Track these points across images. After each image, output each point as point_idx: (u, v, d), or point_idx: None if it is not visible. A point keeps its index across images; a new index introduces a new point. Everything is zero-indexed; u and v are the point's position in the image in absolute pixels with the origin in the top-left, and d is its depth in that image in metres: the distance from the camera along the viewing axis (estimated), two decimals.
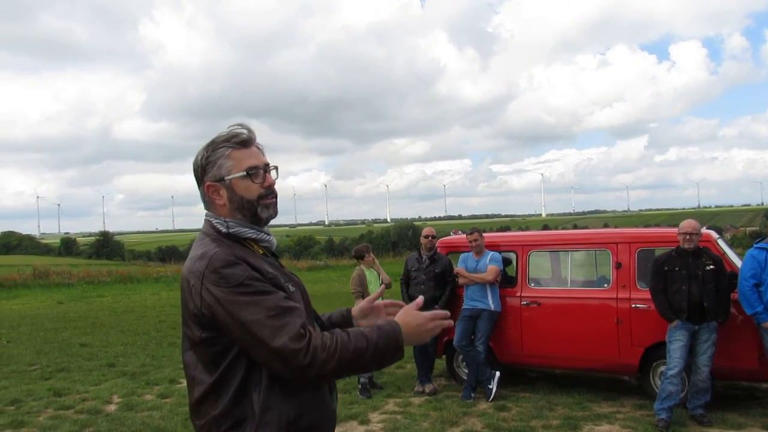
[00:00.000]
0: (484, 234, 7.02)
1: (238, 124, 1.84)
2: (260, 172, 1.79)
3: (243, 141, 1.80)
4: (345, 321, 2.00)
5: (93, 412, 6.25)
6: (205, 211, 1.85)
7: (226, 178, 1.77)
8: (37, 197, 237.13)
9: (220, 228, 1.77)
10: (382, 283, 6.99)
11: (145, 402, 6.62)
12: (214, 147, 1.79)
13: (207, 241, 1.74)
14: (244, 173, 1.77)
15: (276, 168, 1.86)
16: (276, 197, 1.84)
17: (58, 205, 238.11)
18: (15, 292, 20.88)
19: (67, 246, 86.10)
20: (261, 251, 1.80)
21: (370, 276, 6.98)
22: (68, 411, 6.34)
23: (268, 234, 1.84)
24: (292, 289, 1.75)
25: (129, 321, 13.17)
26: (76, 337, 11.06)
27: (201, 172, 1.80)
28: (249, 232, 1.78)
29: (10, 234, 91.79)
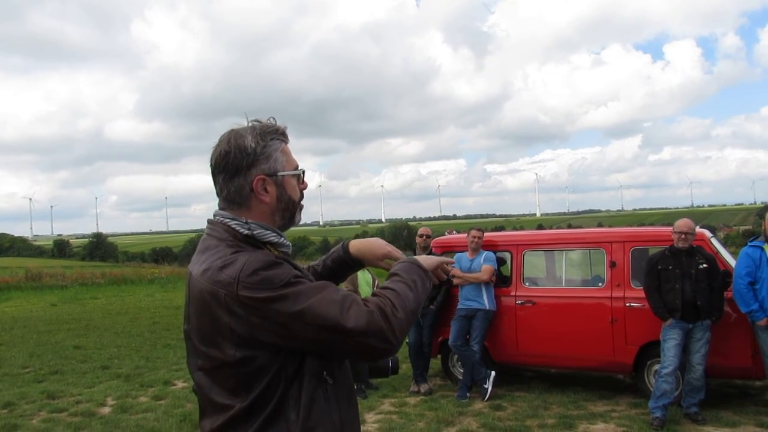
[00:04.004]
0: None
1: (272, 118, 1.67)
2: (301, 174, 1.67)
3: (286, 135, 1.65)
4: (343, 262, 1.94)
5: (87, 414, 6.22)
6: (218, 211, 1.62)
7: (279, 173, 1.59)
8: (30, 199, 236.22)
9: (240, 230, 1.55)
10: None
11: (139, 404, 6.59)
12: (267, 136, 1.59)
13: (223, 248, 1.51)
14: (300, 172, 1.65)
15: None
16: None
17: (51, 206, 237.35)
18: (7, 294, 20.74)
19: (60, 248, 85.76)
20: None
21: (362, 278, 6.94)
22: (62, 414, 6.30)
23: (286, 239, 1.68)
24: None
25: (123, 323, 13.10)
26: (70, 340, 10.99)
27: (251, 161, 1.56)
28: (271, 235, 1.59)
29: (2, 236, 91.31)
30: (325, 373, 1.54)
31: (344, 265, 1.95)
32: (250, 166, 1.56)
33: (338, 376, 1.60)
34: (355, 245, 1.92)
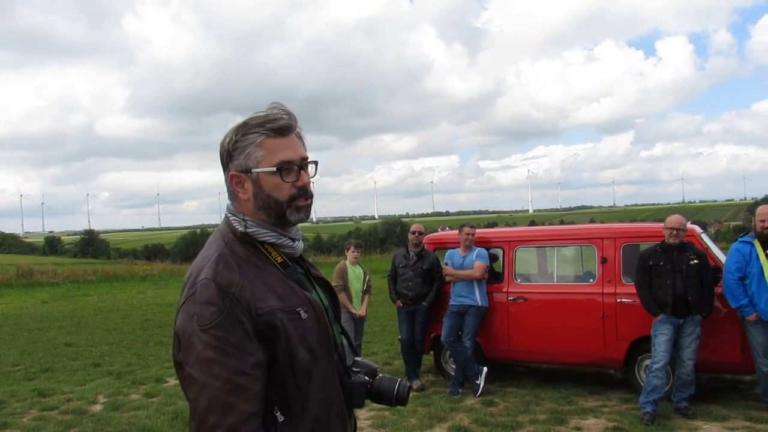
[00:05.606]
0: None
1: (275, 103, 1.55)
2: (294, 168, 1.51)
3: (280, 128, 1.50)
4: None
5: (78, 412, 6.19)
6: (227, 203, 1.60)
7: (253, 170, 1.50)
8: (21, 195, 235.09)
9: (237, 227, 1.52)
10: (367, 285, 6.99)
11: (131, 402, 6.57)
12: (245, 131, 1.50)
13: (218, 244, 1.50)
14: (275, 169, 1.49)
15: (315, 163, 1.58)
16: (311, 198, 1.57)
17: (42, 203, 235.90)
18: None
19: (52, 245, 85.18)
20: (279, 258, 1.53)
21: (352, 273, 6.93)
22: (53, 412, 6.27)
23: (292, 239, 1.57)
24: (304, 315, 1.46)
25: (115, 320, 13.04)
26: (61, 337, 10.94)
27: (227, 157, 1.53)
28: (268, 235, 1.52)
29: None
30: (276, 408, 1.41)
31: None
32: (227, 162, 1.54)
33: (298, 410, 1.43)
34: None
